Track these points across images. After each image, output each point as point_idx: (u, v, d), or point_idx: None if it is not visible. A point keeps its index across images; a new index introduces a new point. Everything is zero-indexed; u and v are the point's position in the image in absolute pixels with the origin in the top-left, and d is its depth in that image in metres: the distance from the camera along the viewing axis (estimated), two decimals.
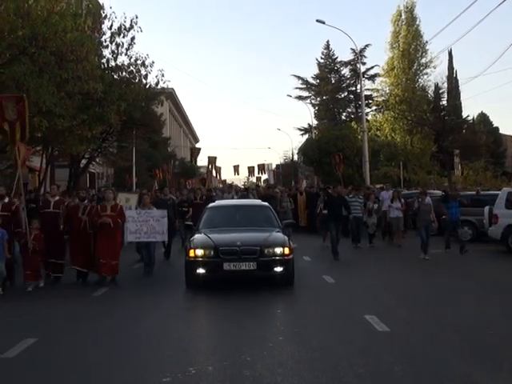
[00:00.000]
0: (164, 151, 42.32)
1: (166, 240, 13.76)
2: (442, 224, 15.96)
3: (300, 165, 57.98)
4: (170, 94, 49.55)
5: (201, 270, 10.09)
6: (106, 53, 20.63)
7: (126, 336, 7.36)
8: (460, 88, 42.98)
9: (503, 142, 55.46)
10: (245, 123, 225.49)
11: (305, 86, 58.83)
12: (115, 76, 20.50)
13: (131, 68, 20.93)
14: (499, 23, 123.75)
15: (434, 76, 50.98)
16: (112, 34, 20.06)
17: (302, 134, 60.07)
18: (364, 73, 51.37)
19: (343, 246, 14.85)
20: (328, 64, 58.85)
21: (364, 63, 52.80)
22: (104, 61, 20.44)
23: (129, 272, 12.47)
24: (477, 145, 37.81)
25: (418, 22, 41.03)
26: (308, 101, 58.56)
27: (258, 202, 13.97)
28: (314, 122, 56.87)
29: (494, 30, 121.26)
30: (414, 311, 8.56)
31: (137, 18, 19.85)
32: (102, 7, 20.45)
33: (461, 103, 41.21)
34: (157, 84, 22.50)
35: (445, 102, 38.16)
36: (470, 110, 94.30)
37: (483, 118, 54.75)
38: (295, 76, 58.97)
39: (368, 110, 46.19)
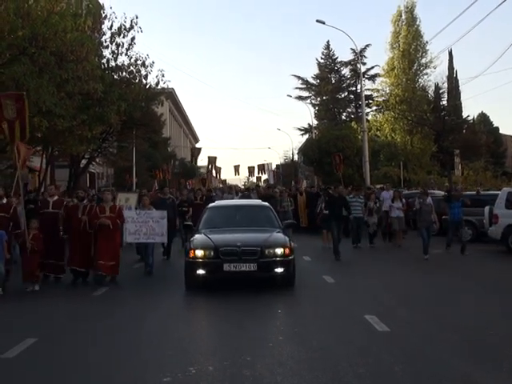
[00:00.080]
0: (164, 151, 42.32)
1: (166, 241, 13.72)
2: (443, 224, 15.96)
3: (300, 165, 57.99)
4: (170, 94, 49.52)
5: (201, 271, 9.99)
6: (106, 53, 20.70)
7: (126, 336, 7.36)
8: (460, 88, 43.14)
9: (503, 142, 55.48)
10: (245, 123, 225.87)
11: (305, 86, 58.84)
12: (115, 76, 20.52)
13: (131, 68, 20.96)
14: (499, 23, 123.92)
15: (434, 76, 51.01)
16: (112, 34, 20.10)
17: (302, 134, 60.16)
18: (364, 73, 51.35)
19: (344, 246, 14.85)
20: (328, 64, 58.83)
21: (364, 63, 52.86)
22: (104, 61, 20.47)
23: (129, 272, 12.47)
24: (477, 145, 37.81)
25: (418, 22, 41.13)
26: (308, 101, 58.63)
27: (259, 202, 13.88)
28: (314, 122, 56.93)
29: (493, 30, 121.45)
30: (414, 311, 8.56)
31: (137, 18, 19.93)
32: (102, 7, 20.48)
33: (461, 103, 41.27)
34: (157, 84, 22.53)
35: (445, 102, 38.19)
36: (470, 110, 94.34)
37: (483, 118, 54.78)
38: (295, 76, 59.05)
39: (368, 110, 46.23)
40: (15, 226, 10.90)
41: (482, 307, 8.87)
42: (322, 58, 58.91)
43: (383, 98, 41.51)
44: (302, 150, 50.12)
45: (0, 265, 10.01)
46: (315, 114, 57.63)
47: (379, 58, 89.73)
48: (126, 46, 20.60)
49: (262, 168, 56.55)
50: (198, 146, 71.12)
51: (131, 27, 19.96)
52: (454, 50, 71.20)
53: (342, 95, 58.20)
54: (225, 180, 56.99)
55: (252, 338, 7.13)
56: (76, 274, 11.39)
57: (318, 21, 28.88)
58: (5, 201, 11.63)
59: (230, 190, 26.41)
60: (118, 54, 20.75)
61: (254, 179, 59.49)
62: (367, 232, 17.57)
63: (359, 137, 33.66)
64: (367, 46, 53.47)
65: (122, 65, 20.95)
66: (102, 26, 19.66)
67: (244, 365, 5.97)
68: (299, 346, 6.75)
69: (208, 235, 10.43)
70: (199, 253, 10.02)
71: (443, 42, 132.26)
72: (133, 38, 20.43)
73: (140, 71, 21.08)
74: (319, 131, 48.84)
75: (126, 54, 20.86)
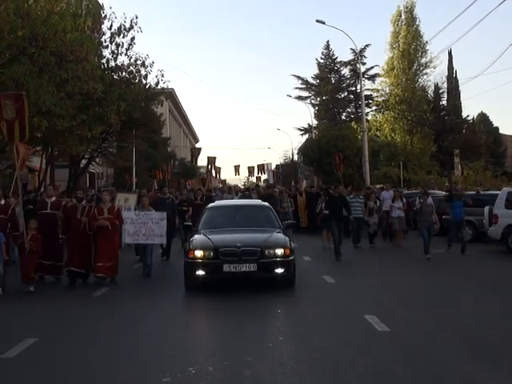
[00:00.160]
0: (164, 151, 42.29)
1: (165, 243, 13.68)
2: (443, 224, 15.94)
3: (300, 165, 57.96)
4: (170, 94, 49.54)
5: (200, 272, 9.92)
6: (106, 53, 20.69)
7: (126, 336, 7.36)
8: (460, 88, 43.14)
9: (503, 142, 55.45)
10: (245, 123, 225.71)
11: (305, 86, 58.83)
12: (115, 76, 20.53)
13: (131, 68, 20.96)
14: (499, 23, 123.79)
15: (434, 76, 51.21)
16: (112, 35, 20.11)
17: (302, 134, 60.11)
18: (364, 73, 51.34)
19: (344, 247, 14.83)
20: (328, 64, 58.82)
21: (364, 63, 52.82)
22: (104, 61, 20.47)
23: (129, 272, 12.46)
24: (477, 145, 37.80)
25: (417, 22, 41.10)
26: (308, 101, 58.60)
27: (259, 202, 13.83)
28: (314, 122, 56.91)
29: (493, 30, 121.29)
30: (414, 311, 8.56)
31: (137, 18, 19.95)
32: (101, 7, 20.50)
33: (461, 103, 41.30)
34: (157, 84, 22.55)
35: (445, 102, 38.21)
36: (469, 110, 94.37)
37: (483, 118, 54.72)
38: (295, 76, 59.02)
39: (368, 110, 46.20)
40: (13, 228, 10.83)
41: (482, 307, 8.87)
42: (321, 58, 58.98)
43: (383, 97, 41.53)
44: (302, 150, 50.10)
45: None
46: (315, 114, 57.65)
47: (379, 57, 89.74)
48: (125, 46, 20.64)
49: (261, 168, 56.55)
50: (197, 145, 71.10)
51: (131, 27, 19.99)
52: (454, 50, 71.16)
53: (342, 95, 58.20)
54: (225, 180, 56.95)
55: (252, 339, 7.12)
56: (73, 276, 11.30)
57: (317, 21, 28.90)
58: (3, 202, 11.59)
59: (230, 191, 26.41)
60: (117, 54, 20.77)
61: (253, 179, 59.52)
62: (367, 232, 17.57)
63: (359, 137, 33.65)
64: (367, 46, 53.53)
65: (122, 65, 20.97)
66: (102, 26, 19.68)
67: (244, 365, 5.97)
68: (299, 346, 6.75)
69: (207, 235, 10.38)
70: (199, 253, 9.96)
71: (443, 41, 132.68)
72: (132, 38, 20.48)
73: (140, 71, 21.09)
74: (319, 131, 48.84)
75: (126, 54, 20.90)
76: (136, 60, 20.99)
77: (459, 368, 5.82)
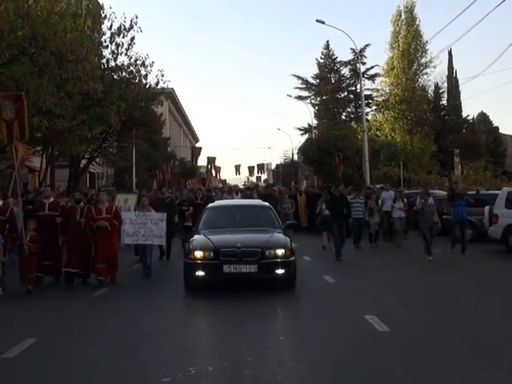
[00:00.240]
0: (164, 151, 42.29)
1: (165, 244, 13.65)
2: (444, 224, 15.92)
3: (300, 165, 57.93)
4: (170, 94, 49.54)
5: (200, 273, 9.84)
6: (106, 53, 20.73)
7: (126, 336, 7.35)
8: (460, 88, 43.12)
9: (503, 142, 55.44)
10: (245, 123, 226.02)
11: (305, 86, 58.79)
12: (115, 76, 20.55)
13: (131, 68, 20.99)
14: (499, 23, 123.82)
15: (434, 76, 51.16)
16: (112, 35, 20.14)
17: (302, 134, 60.09)
18: (364, 73, 51.29)
19: (344, 247, 14.81)
20: (328, 64, 58.78)
21: (364, 63, 52.76)
22: (104, 61, 20.49)
23: (128, 273, 12.45)
24: (477, 144, 37.81)
25: (417, 22, 41.03)
26: (308, 101, 58.55)
27: (259, 202, 13.73)
28: (314, 122, 56.88)
29: (493, 30, 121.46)
30: (414, 311, 8.56)
31: (136, 18, 19.98)
32: (101, 7, 20.51)
33: (461, 103, 41.28)
34: (157, 84, 22.57)
35: (445, 102, 38.20)
36: (469, 110, 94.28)
37: (483, 118, 54.73)
38: (295, 76, 58.98)
39: (368, 109, 46.16)
40: (12, 229, 10.74)
41: (482, 307, 8.86)
42: (321, 58, 58.92)
43: (383, 97, 41.48)
44: (302, 150, 50.09)
45: None
46: (315, 113, 57.62)
47: (379, 57, 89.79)
48: (125, 46, 20.69)
49: (261, 168, 56.57)
50: (197, 145, 71.12)
51: (131, 27, 20.01)
52: (454, 50, 71.06)
53: (342, 95, 58.15)
54: (225, 180, 56.97)
55: (252, 339, 7.12)
56: (70, 278, 11.24)
57: (317, 21, 28.90)
58: (1, 203, 11.55)
59: (230, 191, 26.38)
60: (117, 54, 20.81)
61: (253, 179, 59.52)
62: (368, 232, 17.56)
63: (359, 137, 33.63)
64: (367, 45, 53.46)
65: (122, 65, 20.99)
66: (102, 26, 19.70)
67: (244, 365, 5.97)
68: (299, 346, 6.75)
69: (208, 236, 10.32)
70: (199, 254, 9.89)
71: (443, 41, 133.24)
72: (132, 38, 20.51)
73: (140, 71, 21.13)
74: (319, 131, 48.83)
75: (126, 54, 20.93)
76: (136, 60, 21.04)
77: (459, 368, 5.83)
